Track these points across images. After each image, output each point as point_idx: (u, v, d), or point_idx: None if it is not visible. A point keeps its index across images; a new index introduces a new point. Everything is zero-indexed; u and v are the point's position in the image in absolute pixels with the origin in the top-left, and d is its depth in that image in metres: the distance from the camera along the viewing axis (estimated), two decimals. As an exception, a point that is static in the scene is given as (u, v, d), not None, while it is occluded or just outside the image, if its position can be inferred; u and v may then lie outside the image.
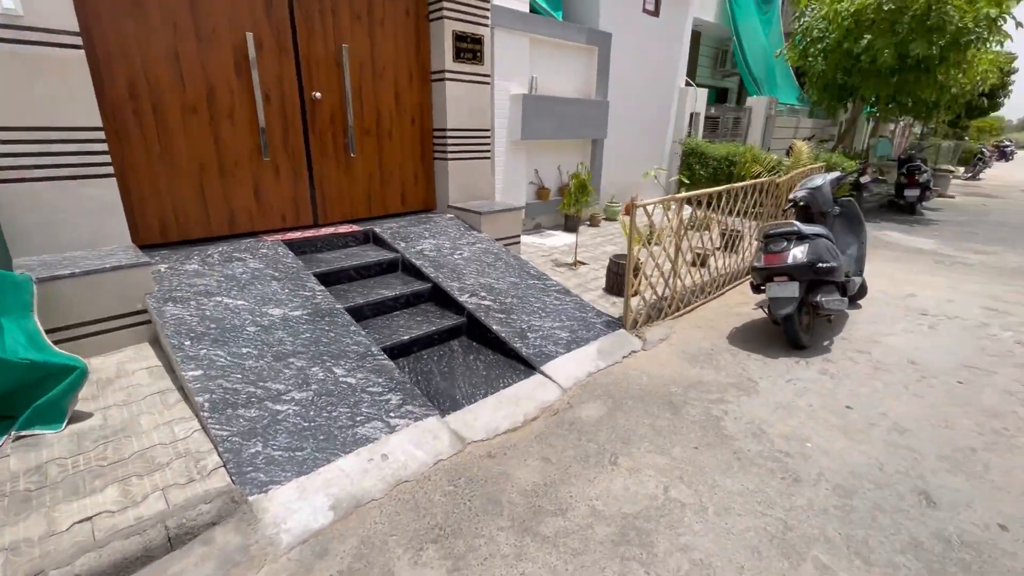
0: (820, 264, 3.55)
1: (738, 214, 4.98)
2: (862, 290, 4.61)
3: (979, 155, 17.64)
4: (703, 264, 5.07)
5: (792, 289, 3.58)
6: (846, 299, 3.76)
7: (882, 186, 11.55)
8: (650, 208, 3.88)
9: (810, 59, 9.81)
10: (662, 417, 2.87)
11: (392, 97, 4.81)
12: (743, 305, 4.70)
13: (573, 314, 4.01)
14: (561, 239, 6.33)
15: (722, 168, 8.15)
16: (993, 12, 7.88)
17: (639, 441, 2.64)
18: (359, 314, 3.61)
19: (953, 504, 2.21)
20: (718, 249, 5.32)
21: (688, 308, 4.56)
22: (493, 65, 5.47)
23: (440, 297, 4.00)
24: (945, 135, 19.93)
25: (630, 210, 3.74)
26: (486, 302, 3.87)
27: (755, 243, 5.52)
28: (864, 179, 9.67)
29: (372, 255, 4.27)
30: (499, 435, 2.68)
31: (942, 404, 3.04)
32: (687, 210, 4.50)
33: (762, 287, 3.86)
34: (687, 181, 8.69)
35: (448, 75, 4.94)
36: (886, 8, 8.25)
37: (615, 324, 3.97)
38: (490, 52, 5.40)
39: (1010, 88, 17.04)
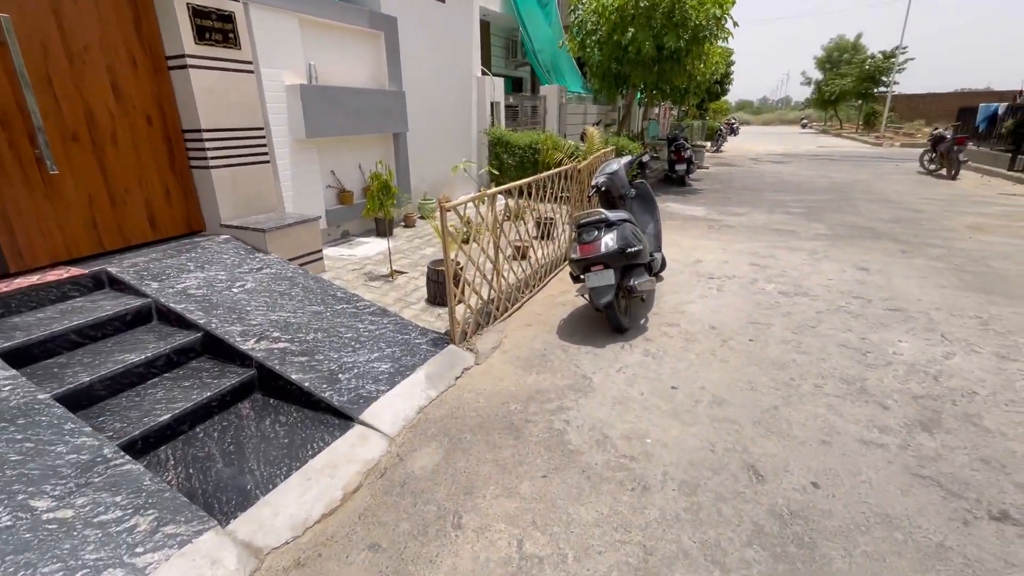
0: (630, 249, 3.63)
1: (549, 200, 4.97)
2: (662, 264, 5.00)
3: (719, 131, 21.67)
4: (523, 257, 4.97)
5: (609, 277, 3.61)
6: (654, 278, 3.96)
7: (657, 163, 13.27)
8: (461, 208, 3.54)
9: (588, 50, 10.60)
10: (505, 446, 2.57)
11: (107, 89, 3.60)
12: (566, 293, 4.72)
13: (394, 338, 3.49)
14: (374, 246, 5.70)
15: (528, 156, 8.31)
16: (718, 12, 9.37)
17: (484, 486, 2.29)
18: (86, 398, 2.57)
19: (775, 472, 2.33)
20: (536, 239, 5.29)
21: (516, 306, 4.39)
22: (255, 50, 4.51)
23: (217, 348, 3.11)
24: (694, 116, 24.00)
25: (440, 211, 3.33)
26: (281, 344, 3.12)
27: (567, 228, 5.66)
28: (645, 158, 10.88)
29: (107, 306, 3.14)
30: (311, 527, 2.07)
31: (743, 365, 3.33)
32: (500, 203, 4.29)
33: (581, 276, 3.84)
34: (496, 172, 8.73)
35: (191, 61, 3.89)
36: (642, 4, 9.24)
37: (443, 341, 3.57)
38: (248, 33, 4.44)
39: (732, 77, 21.16)
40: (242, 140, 4.35)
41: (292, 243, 4.33)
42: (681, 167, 11.33)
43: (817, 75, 39.89)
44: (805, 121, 51.77)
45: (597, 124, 13.25)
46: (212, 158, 4.11)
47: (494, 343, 3.74)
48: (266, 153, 4.61)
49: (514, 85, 14.13)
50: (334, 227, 5.84)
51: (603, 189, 4.37)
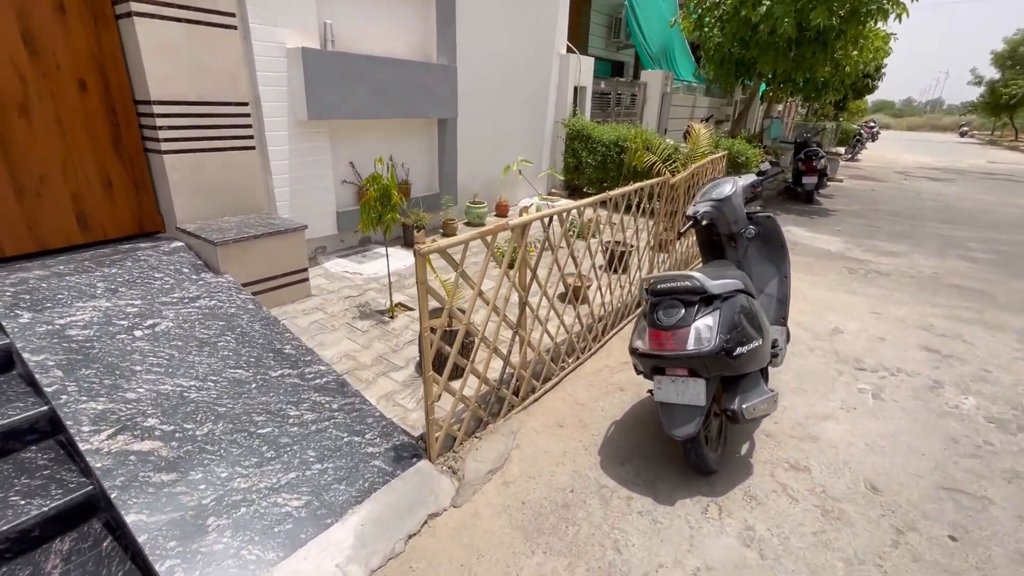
0: (739, 349, 2.06)
1: (627, 210, 3.42)
2: (787, 338, 3.30)
3: (858, 136, 18.13)
4: (575, 299, 3.51)
5: (696, 393, 2.08)
6: (775, 394, 2.34)
7: (778, 171, 10.93)
8: (458, 248, 2.19)
9: (706, 29, 8.67)
10: None
11: (16, 41, 2.66)
12: (628, 366, 3.22)
13: (336, 441, 2.25)
14: (393, 261, 4.52)
15: (611, 156, 6.72)
16: (893, -21, 7.06)
17: None
18: None
19: None
20: (603, 269, 3.77)
21: (548, 386, 2.98)
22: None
23: (66, 436, 2.06)
24: (826, 116, 20.48)
25: (417, 261, 2.00)
26: (146, 444, 1.99)
27: (647, 255, 4.08)
28: (763, 166, 8.78)
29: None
30: None
31: (950, 620, 1.69)
32: (542, 227, 2.87)
33: (647, 375, 2.34)
34: (561, 176, 7.20)
35: (137, 7, 2.87)
36: (786, -32, 7.17)
37: (412, 451, 2.28)
38: (235, -24, 3.36)
39: (884, 71, 17.46)
40: (214, 118, 3.32)
41: (259, 260, 3.24)
42: (810, 180, 9.04)
43: (993, 74, 33.15)
44: (965, 128, 43.77)
45: (707, 120, 11.18)
46: (165, 139, 3.10)
47: (495, 460, 2.38)
48: (251, 136, 3.56)
49: (613, 70, 12.37)
50: (349, 232, 4.74)
51: (704, 223, 2.80)
